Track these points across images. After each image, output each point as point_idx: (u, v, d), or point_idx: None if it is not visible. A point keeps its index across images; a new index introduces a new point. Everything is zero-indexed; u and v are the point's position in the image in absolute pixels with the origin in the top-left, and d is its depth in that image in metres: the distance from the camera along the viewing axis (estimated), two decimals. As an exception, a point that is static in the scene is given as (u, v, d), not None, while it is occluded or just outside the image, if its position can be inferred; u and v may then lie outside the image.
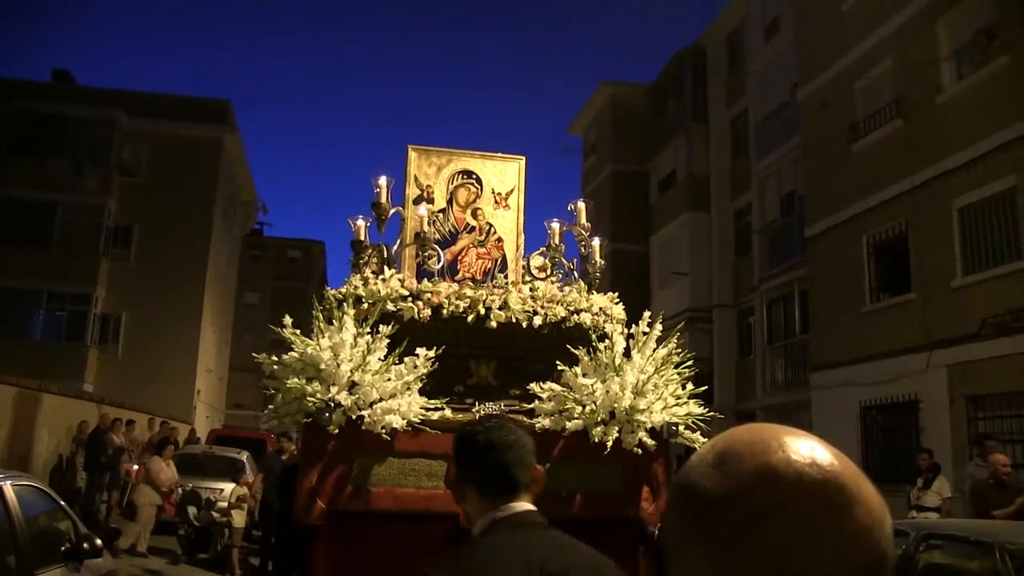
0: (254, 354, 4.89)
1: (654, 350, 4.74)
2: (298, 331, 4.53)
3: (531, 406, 4.68)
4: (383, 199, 5.36)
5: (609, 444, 4.41)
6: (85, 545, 5.32)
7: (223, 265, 33.22)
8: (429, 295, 4.92)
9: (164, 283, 28.49)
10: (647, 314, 4.85)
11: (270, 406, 4.52)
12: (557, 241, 5.57)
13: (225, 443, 16.75)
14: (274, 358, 4.49)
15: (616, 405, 4.40)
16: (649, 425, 4.52)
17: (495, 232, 5.68)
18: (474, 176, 5.73)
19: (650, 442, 4.52)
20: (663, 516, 0.88)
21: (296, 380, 4.27)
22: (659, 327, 4.78)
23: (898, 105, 17.15)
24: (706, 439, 4.18)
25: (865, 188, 17.65)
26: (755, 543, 0.77)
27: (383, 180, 5.33)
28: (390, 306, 4.83)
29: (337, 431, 4.24)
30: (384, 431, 4.26)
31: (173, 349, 28.72)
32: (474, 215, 5.67)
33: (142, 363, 27.98)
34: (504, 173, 5.78)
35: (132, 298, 28.58)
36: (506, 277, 5.42)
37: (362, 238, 5.34)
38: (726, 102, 27.01)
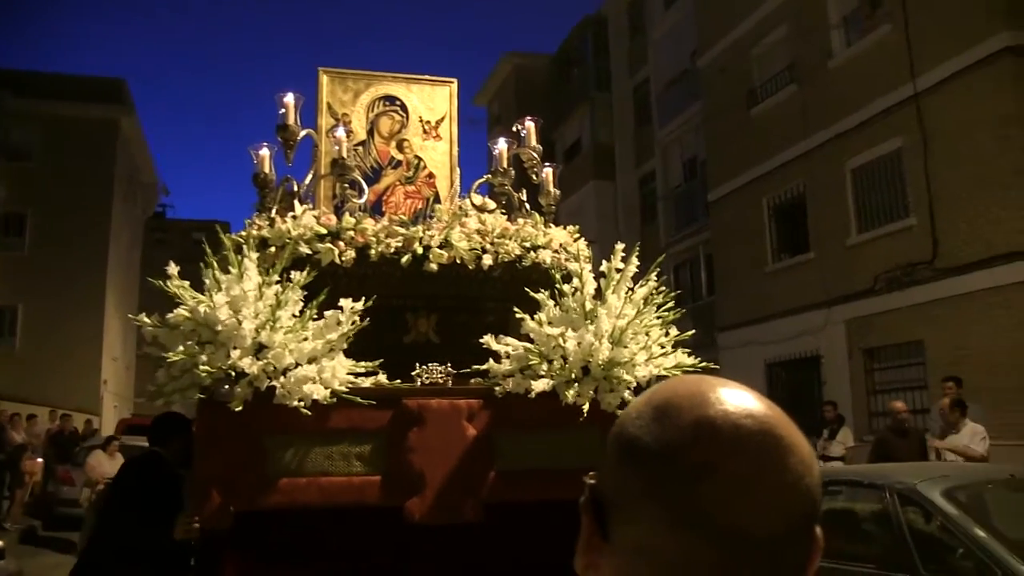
0: (129, 315, 4.26)
1: (631, 290, 3.97)
2: (187, 283, 3.70)
3: (485, 367, 3.83)
4: (291, 120, 4.51)
5: (585, 407, 3.67)
6: None
7: (125, 250, 32.67)
8: (352, 233, 4.11)
9: (63, 271, 27.72)
10: (620, 246, 4.07)
11: (151, 384, 3.67)
12: (505, 165, 4.72)
13: (136, 432, 16.60)
14: (155, 319, 3.65)
15: (591, 359, 3.68)
16: (633, 382, 3.76)
17: (425, 167, 4.94)
18: (398, 103, 5.00)
19: None
20: (600, 467, 0.89)
21: (186, 346, 3.47)
22: (635, 261, 4.05)
23: (792, 71, 17.84)
24: None
25: (764, 152, 18.31)
26: (699, 498, 0.78)
27: (290, 98, 4.52)
28: (304, 248, 4.00)
29: (241, 408, 3.39)
30: (303, 405, 3.45)
31: (76, 339, 28.03)
32: (400, 147, 4.93)
33: (43, 355, 27.20)
34: (433, 99, 5.06)
35: (28, 288, 27.73)
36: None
37: (267, 170, 4.50)
38: (628, 70, 27.41)
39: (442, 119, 5.05)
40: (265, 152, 4.51)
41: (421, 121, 5.01)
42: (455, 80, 5.13)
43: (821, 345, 16.73)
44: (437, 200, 4.85)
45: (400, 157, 4.95)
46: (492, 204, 4.66)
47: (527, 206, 4.69)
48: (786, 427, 0.82)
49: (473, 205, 4.61)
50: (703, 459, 0.79)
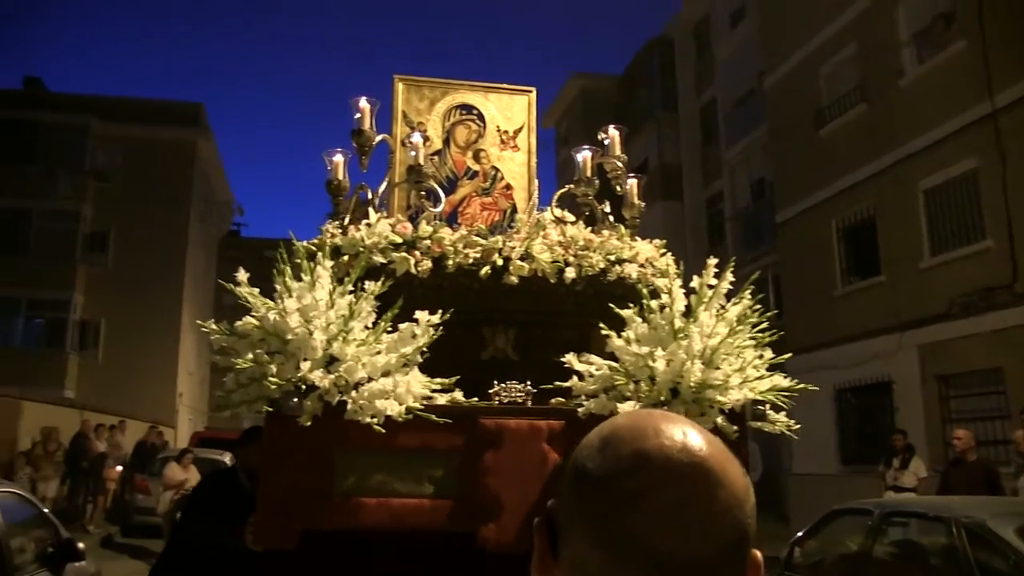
0: (198, 321, 3.97)
1: (722, 307, 3.61)
2: (256, 290, 3.46)
3: (567, 384, 3.52)
4: (366, 125, 4.25)
5: None
6: (66, 550, 5.46)
7: (201, 267, 33.13)
8: (428, 243, 3.85)
9: (142, 287, 28.23)
10: (712, 261, 3.68)
11: (219, 392, 3.46)
12: (588, 174, 4.34)
13: (208, 445, 16.80)
14: (223, 327, 3.47)
15: (681, 380, 3.35)
16: (727, 405, 3.40)
17: (502, 178, 4.71)
18: (475, 112, 4.77)
19: (730, 428, 3.38)
20: (556, 494, 0.93)
21: (253, 355, 3.25)
22: (729, 277, 3.67)
23: (862, 90, 17.20)
24: (792, 420, 3.60)
25: (832, 173, 17.70)
26: (628, 523, 0.83)
27: (365, 103, 4.26)
28: (378, 258, 3.75)
29: (311, 423, 3.16)
30: (375, 421, 3.19)
31: (153, 353, 28.47)
32: (476, 158, 4.70)
33: (123, 368, 27.68)
34: (511, 108, 4.83)
35: (110, 303, 28.27)
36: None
37: (340, 177, 4.25)
38: (695, 91, 27.04)
39: (520, 129, 4.82)
40: (339, 158, 4.26)
41: (498, 131, 4.79)
42: (533, 89, 4.89)
43: (893, 371, 16.00)
44: (514, 212, 4.58)
45: (476, 168, 4.72)
46: (571, 217, 4.36)
47: (611, 218, 4.38)
48: (721, 462, 0.87)
49: (555, 217, 4.29)
50: (635, 487, 0.84)
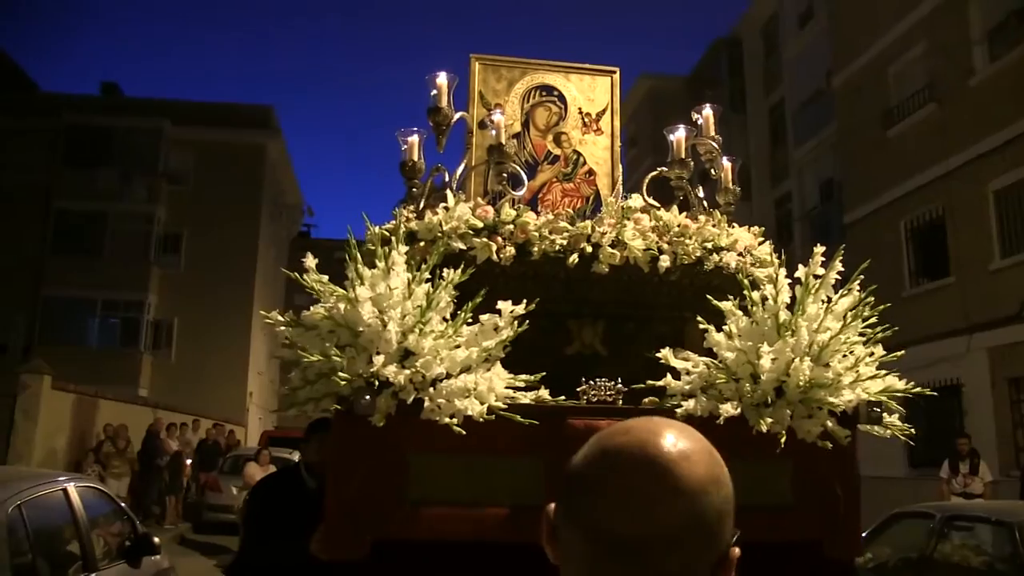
0: (261, 312, 3.53)
1: (829, 300, 3.20)
2: (325, 278, 3.11)
3: (661, 383, 3.15)
4: (444, 103, 3.85)
5: (782, 436, 2.92)
6: (143, 544, 5.48)
7: (271, 268, 33.30)
8: (512, 228, 3.44)
9: (213, 288, 28.39)
10: (820, 249, 3.30)
11: (286, 388, 3.14)
12: (684, 155, 3.93)
13: (278, 444, 16.79)
14: (290, 317, 3.14)
15: (787, 379, 2.96)
16: (839, 407, 3.01)
17: (584, 163, 4.29)
18: (556, 93, 4.37)
19: (841, 432, 3.01)
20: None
21: (322, 349, 2.90)
22: (838, 266, 3.28)
23: (931, 89, 16.73)
24: (907, 425, 3.27)
25: (901, 173, 17.17)
26: (587, 506, 0.94)
27: (443, 78, 3.88)
28: (457, 244, 3.37)
29: (384, 422, 2.82)
30: (454, 421, 2.83)
31: (224, 352, 28.62)
32: (557, 141, 4.29)
33: (194, 367, 27.81)
34: (594, 90, 4.41)
35: (183, 303, 28.42)
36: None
37: (415, 158, 3.86)
38: (763, 91, 26.50)
39: (603, 111, 4.39)
40: (414, 138, 3.89)
41: (580, 113, 4.36)
42: (617, 69, 4.45)
43: (962, 373, 15.41)
44: (598, 199, 4.15)
45: (557, 152, 4.30)
46: (656, 205, 3.90)
47: (704, 203, 3.93)
48: (676, 459, 0.95)
49: (646, 202, 3.82)
50: (593, 477, 0.96)
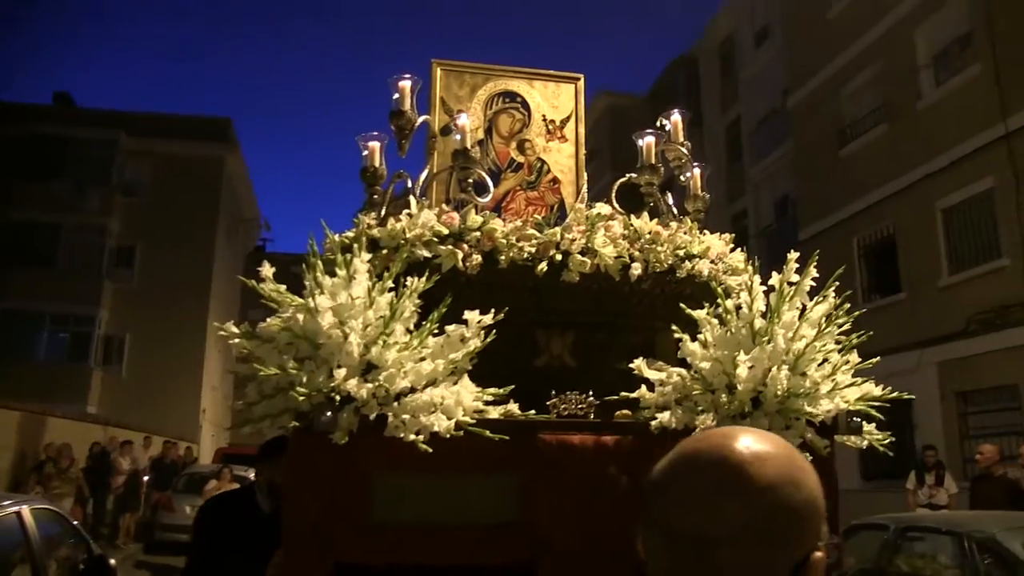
0: (215, 323, 3.27)
1: (803, 308, 3.06)
2: (283, 287, 2.90)
3: (635, 395, 3.00)
4: (406, 106, 3.69)
5: None
6: (99, 566, 5.37)
7: (227, 283, 32.70)
8: (478, 235, 3.28)
9: (168, 302, 27.76)
10: (793, 255, 3.14)
11: (241, 403, 2.90)
12: (654, 160, 3.82)
13: (233, 461, 16.43)
14: (244, 329, 2.90)
15: (764, 388, 2.83)
16: (818, 416, 2.88)
17: (548, 171, 4.15)
18: (519, 99, 4.23)
19: (821, 442, 2.87)
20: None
21: (279, 362, 2.69)
22: (813, 272, 3.13)
23: (882, 111, 17.11)
24: (887, 433, 3.19)
25: (854, 191, 17.46)
26: (654, 508, 0.99)
27: (406, 82, 3.71)
28: (422, 252, 3.19)
29: (346, 440, 2.61)
30: (420, 438, 2.64)
31: (177, 368, 27.96)
32: (521, 149, 4.15)
33: (146, 383, 27.11)
34: (558, 97, 4.29)
35: (136, 318, 27.77)
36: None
37: (376, 164, 3.67)
38: (720, 109, 26.68)
39: (567, 119, 4.28)
40: (375, 144, 3.70)
41: (544, 120, 4.24)
42: (582, 76, 4.34)
43: (912, 388, 15.53)
44: (563, 208, 4.01)
45: (521, 159, 4.16)
46: (623, 212, 3.77)
47: (674, 210, 3.81)
48: (746, 461, 0.96)
49: (614, 209, 3.70)
50: (661, 479, 1.01)
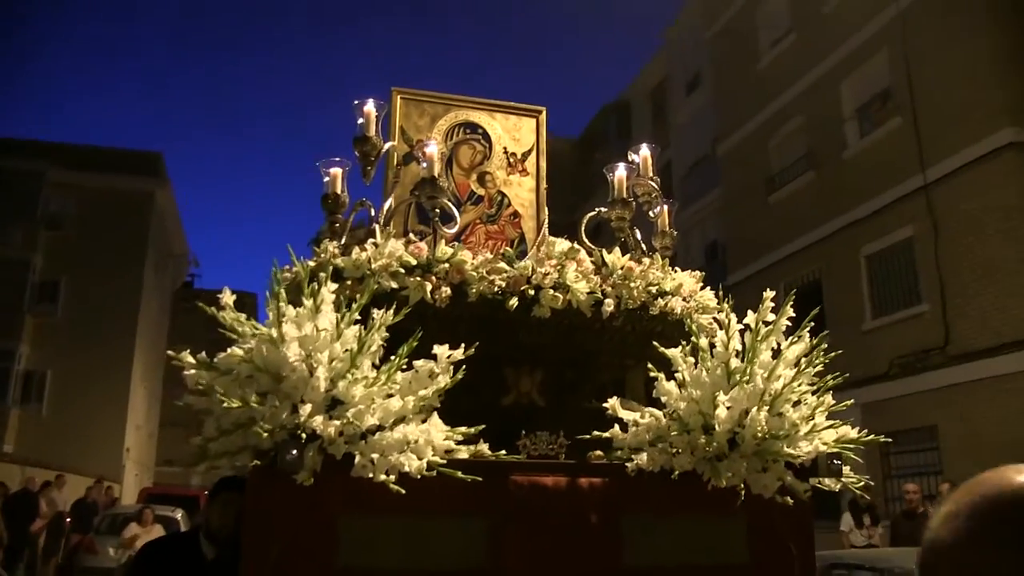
0: (169, 352, 3.02)
1: (779, 347, 2.96)
2: (243, 316, 2.76)
3: (606, 435, 2.85)
4: (372, 131, 3.52)
5: (741, 491, 2.68)
6: None
7: (154, 319, 31.86)
8: (447, 267, 3.11)
9: (92, 338, 26.83)
10: (769, 293, 3.04)
11: (197, 438, 2.67)
12: (625, 195, 3.67)
13: (157, 501, 15.82)
14: (201, 359, 2.70)
15: (741, 430, 2.72)
16: (798, 458, 2.76)
17: (509, 204, 4.03)
18: (480, 131, 4.12)
19: (801, 485, 2.80)
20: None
21: (243, 394, 2.50)
22: (789, 311, 3.01)
23: (809, 159, 17.46)
24: (862, 477, 3.06)
25: (782, 237, 17.76)
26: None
27: (371, 106, 3.55)
28: (389, 283, 3.01)
29: (310, 480, 2.43)
30: (390, 479, 2.46)
31: (101, 406, 26.96)
32: (481, 181, 4.03)
33: (69, 421, 26.11)
34: (519, 129, 4.18)
35: (59, 354, 26.77)
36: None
37: (338, 190, 3.49)
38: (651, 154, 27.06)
39: (529, 152, 4.16)
40: (337, 170, 3.53)
41: (506, 153, 4.12)
42: (543, 109, 4.26)
43: (838, 428, 15.84)
44: (523, 243, 3.90)
45: (481, 192, 4.04)
46: (592, 247, 3.65)
47: (643, 246, 3.69)
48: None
49: (584, 244, 3.57)
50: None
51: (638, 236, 3.71)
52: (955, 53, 13.92)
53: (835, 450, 2.87)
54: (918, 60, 14.70)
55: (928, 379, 13.89)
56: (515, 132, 4.20)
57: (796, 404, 2.88)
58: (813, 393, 2.96)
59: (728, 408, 2.76)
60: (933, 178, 14.08)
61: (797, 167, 17.91)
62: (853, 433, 2.97)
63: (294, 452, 2.45)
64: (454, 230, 3.53)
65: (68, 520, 16.12)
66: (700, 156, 23.39)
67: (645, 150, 3.86)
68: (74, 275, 27.80)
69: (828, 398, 2.98)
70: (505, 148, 4.15)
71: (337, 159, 3.55)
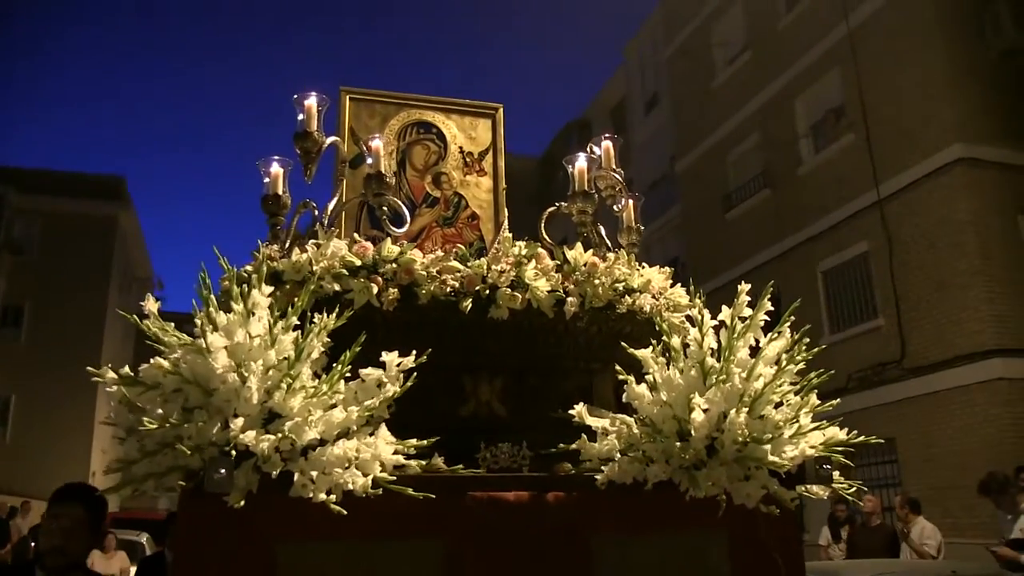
0: (89, 369, 2.68)
1: (757, 344, 2.69)
2: (171, 325, 2.48)
3: (573, 446, 2.55)
4: (313, 127, 3.20)
5: (723, 501, 2.42)
6: None
7: (119, 343, 31.06)
8: (395, 267, 2.81)
9: (57, 363, 26.07)
10: (745, 287, 2.81)
11: (116, 462, 2.36)
12: (587, 187, 3.40)
13: (123, 525, 15.20)
14: (124, 373, 2.44)
15: (720, 435, 2.45)
16: (783, 466, 2.47)
17: (467, 206, 3.76)
18: (435, 131, 3.84)
19: (787, 494, 2.49)
20: None
21: (165, 410, 2.24)
22: (767, 305, 2.79)
23: (765, 177, 17.39)
24: (859, 484, 2.79)
25: (740, 254, 17.63)
26: None
27: (312, 100, 3.23)
28: (331, 286, 2.73)
29: (243, 503, 2.12)
30: (332, 498, 2.17)
31: (66, 431, 26.31)
32: (437, 182, 3.75)
33: (33, 446, 25.41)
34: (475, 128, 3.91)
35: (23, 379, 26.03)
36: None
37: (279, 191, 3.16)
38: (612, 172, 27.04)
39: (486, 151, 3.90)
40: (278, 169, 3.18)
41: (462, 152, 3.85)
42: (500, 107, 3.98)
43: (798, 442, 15.72)
44: (482, 245, 3.59)
45: (437, 194, 3.76)
46: (553, 244, 3.31)
47: (608, 242, 3.39)
48: None
49: (544, 242, 3.23)
50: None
51: (602, 232, 3.41)
52: (906, 70, 13.95)
53: (823, 454, 2.58)
54: (870, 77, 14.71)
55: (885, 392, 13.83)
56: (471, 131, 3.93)
57: (778, 406, 2.59)
58: (796, 393, 2.67)
59: (705, 411, 2.46)
60: (886, 193, 14.06)
61: (753, 184, 17.83)
62: (842, 435, 2.68)
63: (222, 471, 2.11)
64: (404, 229, 3.23)
65: (32, 545, 15.50)
66: (660, 174, 23.27)
67: (606, 141, 3.62)
68: (38, 299, 27.12)
69: (812, 398, 2.70)
70: (461, 147, 3.88)
71: (277, 157, 3.21)
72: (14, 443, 26.01)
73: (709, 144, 19.45)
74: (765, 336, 2.71)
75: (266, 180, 3.20)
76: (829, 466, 2.59)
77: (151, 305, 2.46)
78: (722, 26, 19.49)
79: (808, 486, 2.63)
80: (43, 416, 25.87)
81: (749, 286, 2.83)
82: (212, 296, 2.37)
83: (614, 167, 3.54)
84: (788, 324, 2.79)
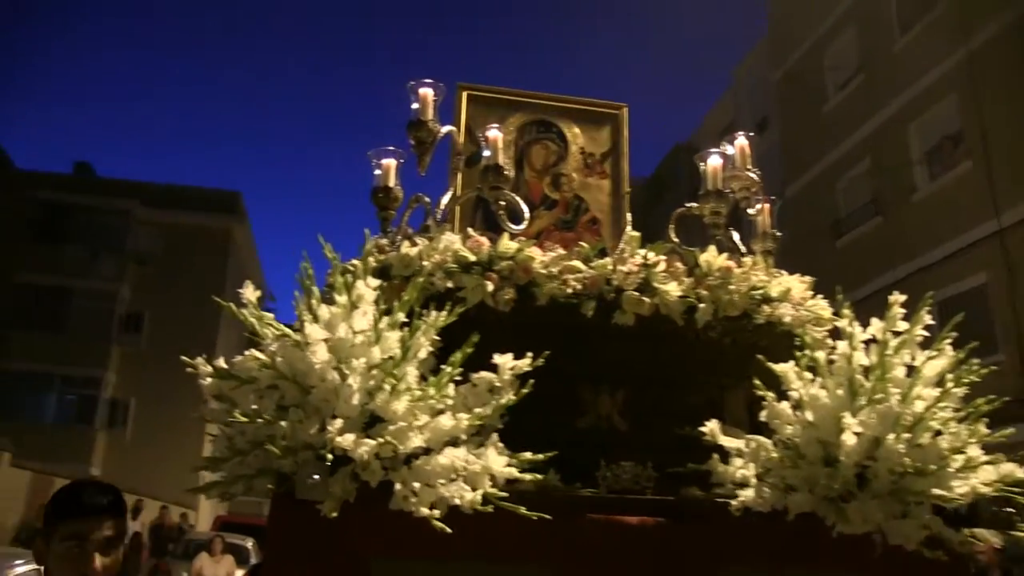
0: (183, 358, 2.46)
1: (911, 361, 2.32)
2: (271, 315, 2.26)
3: (704, 467, 2.25)
4: (428, 116, 2.91)
5: (876, 539, 2.06)
6: None
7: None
8: (511, 265, 2.50)
9: (173, 368, 26.93)
10: (899, 297, 2.42)
11: (206, 456, 2.22)
12: (720, 186, 3.09)
13: (230, 529, 15.39)
14: (219, 366, 2.27)
15: (874, 463, 2.08)
16: (953, 502, 2.07)
17: (587, 210, 3.44)
18: (555, 130, 3.53)
19: (955, 536, 2.07)
20: None
21: (259, 405, 2.04)
22: (925, 318, 2.39)
23: (876, 204, 16.69)
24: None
25: (850, 282, 16.76)
26: None
27: (428, 90, 2.95)
28: (443, 282, 2.45)
29: (338, 513, 1.87)
30: (435, 513, 1.90)
31: (181, 434, 27.08)
32: (556, 184, 3.45)
33: (150, 447, 26.30)
34: (598, 128, 3.56)
35: (142, 383, 26.99)
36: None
37: (391, 183, 2.92)
38: (720, 195, 26.50)
39: (608, 153, 3.58)
40: (390, 161, 2.97)
41: (583, 153, 3.54)
42: (625, 106, 3.65)
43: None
44: (603, 252, 3.13)
45: (556, 196, 3.48)
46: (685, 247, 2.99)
47: (741, 247, 3.06)
48: None
49: (674, 243, 2.92)
50: None
51: (735, 237, 3.06)
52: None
53: (998, 492, 2.16)
54: (989, 103, 13.90)
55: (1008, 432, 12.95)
56: (593, 132, 3.63)
57: (938, 434, 2.20)
58: (960, 420, 2.27)
59: (857, 435, 2.10)
60: (1008, 223, 13.24)
61: (864, 211, 17.08)
62: (1020, 473, 2.22)
63: (315, 476, 1.88)
64: (522, 227, 2.93)
65: (146, 543, 15.94)
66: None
67: (742, 139, 3.30)
68: (157, 308, 28.14)
69: (981, 427, 2.29)
70: (582, 148, 3.58)
71: (390, 148, 3.00)
72: (134, 443, 26.98)
73: (819, 169, 18.78)
74: (922, 353, 2.31)
75: (377, 172, 2.99)
76: (1008, 509, 2.18)
77: (249, 293, 2.26)
78: (834, 49, 18.81)
79: (977, 530, 2.19)
80: (160, 418, 26.68)
81: (904, 297, 2.42)
82: (315, 287, 2.15)
83: (749, 167, 3.22)
84: (949, 341, 2.37)
